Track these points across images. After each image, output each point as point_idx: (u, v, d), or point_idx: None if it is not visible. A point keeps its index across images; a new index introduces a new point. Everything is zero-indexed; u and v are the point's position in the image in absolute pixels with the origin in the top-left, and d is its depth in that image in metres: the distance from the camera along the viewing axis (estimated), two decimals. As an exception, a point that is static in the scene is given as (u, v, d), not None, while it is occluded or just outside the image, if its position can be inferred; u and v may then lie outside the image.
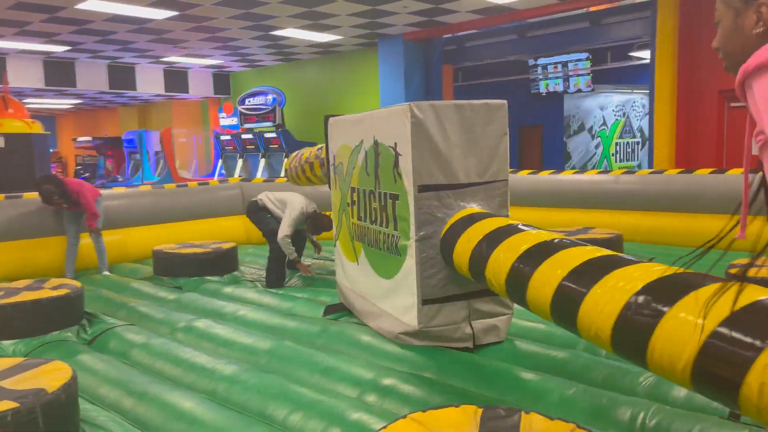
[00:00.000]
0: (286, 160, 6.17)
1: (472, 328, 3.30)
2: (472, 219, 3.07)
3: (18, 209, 6.03)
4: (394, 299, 3.46)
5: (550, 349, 3.22)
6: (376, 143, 3.53)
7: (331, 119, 4.45)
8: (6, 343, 3.68)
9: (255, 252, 7.05)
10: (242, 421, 2.54)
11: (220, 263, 5.64)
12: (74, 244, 6.01)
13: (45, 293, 3.93)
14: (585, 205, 6.92)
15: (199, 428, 2.49)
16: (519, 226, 2.75)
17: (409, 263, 3.24)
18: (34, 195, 6.24)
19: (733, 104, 8.33)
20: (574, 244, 2.34)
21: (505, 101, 3.37)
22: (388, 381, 2.87)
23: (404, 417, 2.12)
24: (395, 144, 3.27)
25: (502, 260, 2.53)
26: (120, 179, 16.74)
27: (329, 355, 3.30)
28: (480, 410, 2.13)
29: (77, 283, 4.20)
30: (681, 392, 2.64)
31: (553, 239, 2.44)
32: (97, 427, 2.45)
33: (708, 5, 8.35)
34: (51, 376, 2.39)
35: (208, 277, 5.46)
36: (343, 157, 4.13)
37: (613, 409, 2.50)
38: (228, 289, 5.11)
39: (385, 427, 2.05)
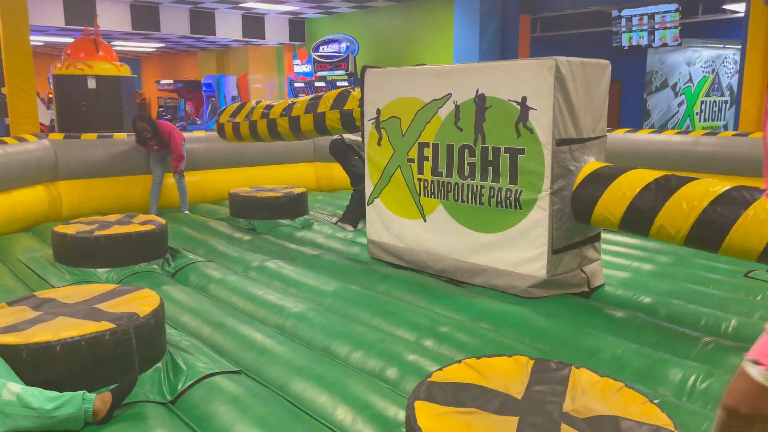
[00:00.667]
0: (223, 110, 5.80)
1: (585, 273, 3.54)
2: (614, 171, 3.30)
3: (108, 149, 6.47)
4: (504, 253, 3.55)
5: (607, 308, 3.26)
6: (481, 97, 3.56)
7: (374, 71, 4.29)
8: (100, 270, 4.06)
9: (324, 199, 7.29)
10: (308, 355, 2.75)
11: (292, 207, 5.89)
12: (159, 183, 6.42)
13: (134, 228, 4.28)
14: (661, 167, 6.68)
15: (268, 357, 2.73)
16: (681, 176, 3.12)
17: (537, 215, 3.36)
18: (123, 135, 6.66)
19: (834, 64, 7.72)
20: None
21: (608, 61, 3.53)
22: (444, 328, 3.02)
23: (459, 362, 2.26)
24: (523, 98, 3.33)
25: (686, 207, 2.93)
26: (199, 122, 17.37)
27: (390, 300, 3.47)
28: (531, 361, 2.24)
29: (162, 220, 4.53)
30: (738, 359, 2.66)
31: (736, 188, 3.00)
32: (180, 349, 2.73)
33: (817, -46, 7.66)
34: (142, 302, 2.67)
35: (281, 221, 5.74)
36: (402, 111, 4.06)
37: (664, 370, 2.55)
38: (299, 233, 5.37)
39: (440, 369, 2.20)
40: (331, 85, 13.66)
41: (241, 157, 7.41)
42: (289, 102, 5.15)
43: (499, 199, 3.55)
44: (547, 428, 1.76)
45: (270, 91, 17.51)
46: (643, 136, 6.95)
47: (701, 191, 2.97)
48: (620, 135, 7.11)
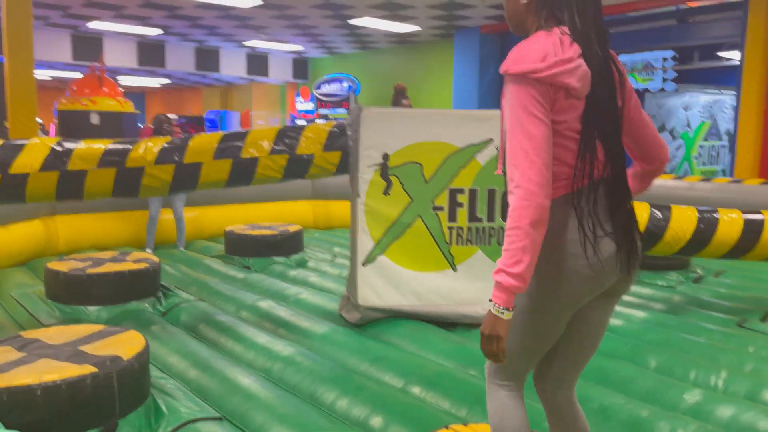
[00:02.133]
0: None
1: None
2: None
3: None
4: None
5: (598, 356, 3.24)
6: None
7: (378, 111, 3.90)
8: (91, 308, 4.05)
9: (320, 237, 7.30)
10: (293, 401, 2.73)
11: (287, 245, 5.90)
12: (155, 219, 6.44)
13: (127, 266, 4.29)
14: (655, 211, 6.74)
15: (253, 403, 2.70)
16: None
17: None
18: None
19: (827, 113, 7.83)
20: None
21: None
22: (432, 375, 2.99)
23: (446, 427, 2.25)
24: None
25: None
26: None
27: (380, 344, 3.45)
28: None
29: (156, 258, 4.54)
30: (725, 413, 2.63)
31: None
32: (164, 393, 2.70)
33: (808, 6, 7.85)
34: (126, 344, 2.66)
35: (276, 258, 5.74)
36: (425, 156, 3.86)
37: (653, 423, 2.52)
38: (293, 272, 5.36)
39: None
40: (333, 123, 13.86)
41: (237, 194, 7.46)
42: (165, 143, 3.62)
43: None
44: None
45: (272, 128, 17.74)
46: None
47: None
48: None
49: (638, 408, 2.64)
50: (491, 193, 3.84)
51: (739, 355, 3.31)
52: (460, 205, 3.88)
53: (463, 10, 10.28)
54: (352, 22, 11.56)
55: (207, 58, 15.22)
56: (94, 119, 8.68)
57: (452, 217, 3.90)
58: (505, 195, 3.63)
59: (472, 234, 3.89)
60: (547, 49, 1.48)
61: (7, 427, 2.20)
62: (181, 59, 14.85)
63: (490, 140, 3.80)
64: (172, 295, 4.40)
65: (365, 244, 3.88)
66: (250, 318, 4.08)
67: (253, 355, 3.36)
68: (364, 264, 3.88)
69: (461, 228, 3.90)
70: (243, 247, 5.86)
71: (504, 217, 3.69)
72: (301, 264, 5.77)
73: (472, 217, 3.88)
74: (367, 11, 10.62)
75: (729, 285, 4.97)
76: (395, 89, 7.89)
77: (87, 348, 2.62)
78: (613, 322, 3.95)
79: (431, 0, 9.72)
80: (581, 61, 1.51)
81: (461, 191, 3.88)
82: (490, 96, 11.55)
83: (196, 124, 17.78)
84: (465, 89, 11.65)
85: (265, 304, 4.25)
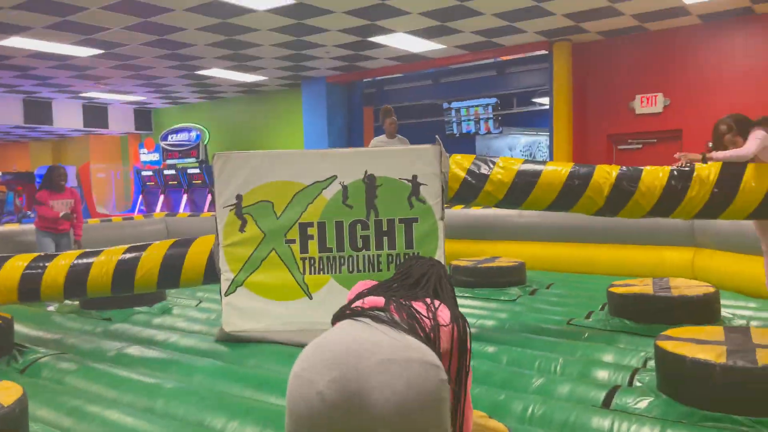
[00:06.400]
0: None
1: None
2: None
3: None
4: None
5: (458, 360, 3.66)
6: (371, 177, 4.08)
7: (231, 155, 4.31)
8: (-65, 373, 3.71)
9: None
10: (184, 430, 2.78)
11: (149, 293, 5.76)
12: None
13: (-25, 324, 3.99)
14: (492, 237, 7.58)
15: (143, 436, 2.72)
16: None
17: None
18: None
19: (620, 146, 9.35)
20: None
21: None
22: (316, 391, 3.20)
23: None
24: (413, 176, 4.04)
25: None
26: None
27: (260, 371, 3.59)
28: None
29: (7, 315, 4.27)
30: (564, 389, 3.15)
31: None
32: (45, 439, 2.63)
33: (595, 59, 9.40)
34: (3, 392, 2.58)
35: (138, 308, 5.58)
36: (275, 194, 4.18)
37: (509, 404, 2.96)
38: (158, 320, 5.26)
39: None
40: (182, 173, 13.58)
41: (91, 246, 7.10)
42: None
43: (398, 263, 3.95)
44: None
45: (114, 181, 16.87)
46: (476, 211, 7.82)
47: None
48: (456, 211, 7.92)
49: (497, 394, 3.07)
50: (339, 225, 4.16)
51: (571, 345, 3.93)
52: (311, 237, 4.18)
53: (308, 61, 10.81)
54: (199, 72, 11.60)
55: (37, 110, 14.24)
56: None
57: (304, 248, 4.19)
58: (356, 224, 4.05)
59: (323, 263, 4.17)
60: None
61: None
62: (6, 111, 13.75)
63: (334, 177, 4.16)
64: (29, 351, 4.15)
65: (227, 276, 4.26)
66: (122, 363, 3.98)
67: (132, 397, 3.31)
68: (226, 294, 4.25)
69: (314, 258, 4.18)
70: (102, 298, 5.62)
71: (354, 246, 4.09)
72: (167, 311, 5.67)
73: (323, 248, 4.18)
74: (214, 62, 10.76)
75: (558, 294, 5.76)
76: (382, 111, 7.43)
77: (-42, 400, 2.50)
78: (472, 330, 4.44)
79: (277, 52, 10.12)
80: None
81: (311, 225, 4.17)
82: (340, 140, 12.12)
83: (26, 181, 16.40)
84: (315, 135, 12.12)
85: (135, 350, 4.17)
